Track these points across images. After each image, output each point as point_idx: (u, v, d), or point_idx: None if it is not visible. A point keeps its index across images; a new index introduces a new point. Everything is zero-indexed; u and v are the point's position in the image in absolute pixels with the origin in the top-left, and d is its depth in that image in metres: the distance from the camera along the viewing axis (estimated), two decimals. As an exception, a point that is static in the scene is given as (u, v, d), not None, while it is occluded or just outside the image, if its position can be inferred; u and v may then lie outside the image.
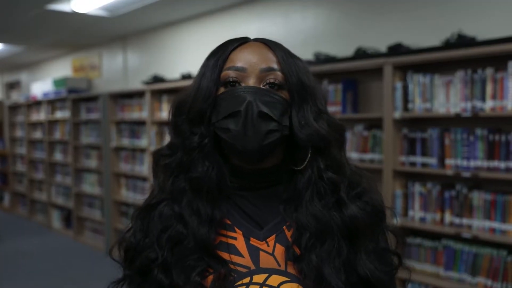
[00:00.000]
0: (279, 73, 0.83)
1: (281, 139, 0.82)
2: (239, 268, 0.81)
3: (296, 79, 0.83)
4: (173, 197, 0.85)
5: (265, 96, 0.81)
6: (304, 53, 3.54)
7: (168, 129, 0.90)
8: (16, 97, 9.05)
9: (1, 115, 8.80)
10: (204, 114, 0.83)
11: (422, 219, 2.80)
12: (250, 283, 0.80)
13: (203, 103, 0.83)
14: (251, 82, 0.82)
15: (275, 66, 0.83)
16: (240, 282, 0.80)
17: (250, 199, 0.86)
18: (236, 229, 0.84)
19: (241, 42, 0.87)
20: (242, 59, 0.83)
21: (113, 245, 0.90)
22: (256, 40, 0.89)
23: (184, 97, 0.87)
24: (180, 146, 0.85)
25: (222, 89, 0.83)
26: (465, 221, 2.63)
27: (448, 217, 2.69)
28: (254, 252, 0.83)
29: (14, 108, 8.18)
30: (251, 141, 0.79)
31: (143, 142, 4.94)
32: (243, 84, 0.82)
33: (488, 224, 2.54)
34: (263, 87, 0.82)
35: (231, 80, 0.83)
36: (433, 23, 3.03)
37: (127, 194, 5.30)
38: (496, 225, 2.52)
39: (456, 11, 2.93)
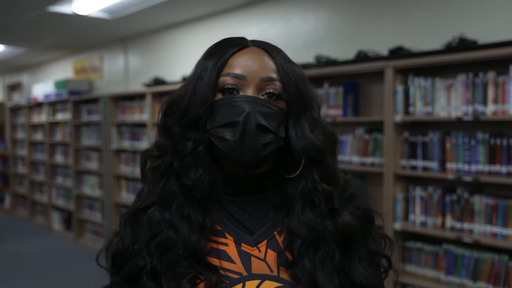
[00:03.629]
0: (278, 83, 0.81)
1: (276, 149, 0.82)
2: (230, 275, 0.80)
3: (294, 89, 0.82)
4: (163, 201, 0.83)
5: (264, 107, 0.79)
6: (305, 55, 3.54)
7: (158, 128, 0.87)
8: (17, 98, 9.05)
9: (2, 117, 8.81)
10: (199, 119, 0.81)
11: (423, 223, 2.78)
12: None
13: (199, 108, 0.80)
14: (250, 91, 0.80)
15: (275, 75, 0.81)
16: None
17: (241, 205, 0.85)
18: (227, 235, 0.83)
19: (241, 46, 0.84)
20: (242, 65, 0.81)
21: (100, 251, 0.88)
22: (255, 44, 0.86)
23: (177, 98, 0.85)
24: (170, 148, 0.83)
25: (219, 95, 0.81)
26: (466, 225, 2.61)
27: (449, 222, 2.68)
28: (245, 258, 0.82)
29: (15, 109, 8.19)
30: (247, 153, 0.78)
31: (143, 144, 4.94)
32: (241, 93, 0.80)
33: (489, 228, 2.53)
34: (262, 97, 0.80)
35: (229, 87, 0.80)
36: (434, 26, 3.02)
37: (127, 196, 5.29)
38: (497, 229, 2.50)
39: (457, 15, 2.92)
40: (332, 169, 0.84)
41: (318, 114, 0.86)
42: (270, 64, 0.82)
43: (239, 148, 0.77)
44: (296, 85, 0.82)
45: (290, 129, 0.82)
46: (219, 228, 0.83)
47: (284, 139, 0.82)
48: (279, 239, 0.83)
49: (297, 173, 0.82)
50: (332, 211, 0.83)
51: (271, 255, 0.82)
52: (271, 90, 0.80)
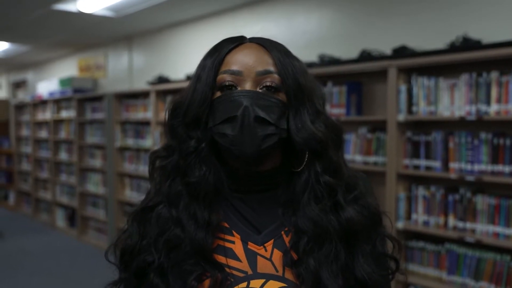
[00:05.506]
0: (275, 76, 0.81)
1: (279, 142, 0.82)
2: (236, 273, 0.80)
3: (292, 81, 0.82)
4: (170, 200, 0.84)
5: (262, 99, 0.79)
6: (308, 54, 3.54)
7: (164, 130, 0.89)
8: (22, 96, 9.09)
9: (7, 114, 8.85)
10: (200, 118, 0.82)
11: (426, 223, 2.78)
12: None
13: (199, 107, 0.82)
14: (248, 85, 0.81)
15: (272, 68, 0.82)
16: (236, 287, 0.79)
17: (248, 203, 0.85)
18: (234, 233, 0.84)
19: (237, 43, 0.85)
20: (238, 62, 0.82)
21: (109, 247, 0.89)
22: (252, 40, 0.87)
23: (180, 100, 0.86)
24: (176, 149, 0.85)
25: (218, 93, 0.82)
26: (468, 225, 2.61)
27: (451, 221, 2.68)
28: (251, 257, 0.82)
29: (20, 107, 8.22)
30: (248, 146, 0.78)
31: (147, 143, 4.95)
32: (239, 88, 0.81)
33: (491, 228, 2.53)
34: (260, 91, 0.81)
35: (227, 84, 0.81)
36: (438, 26, 3.02)
37: (131, 194, 5.31)
38: (499, 229, 2.50)
39: (461, 14, 2.92)
40: (336, 162, 0.83)
41: (322, 106, 0.85)
42: (266, 58, 0.83)
43: (239, 141, 0.78)
44: (294, 77, 0.82)
45: (290, 121, 0.82)
46: (227, 225, 0.84)
47: (286, 131, 0.82)
48: (286, 239, 0.83)
49: (302, 167, 0.82)
50: (336, 205, 0.82)
51: (277, 255, 0.82)
52: (268, 83, 0.81)
